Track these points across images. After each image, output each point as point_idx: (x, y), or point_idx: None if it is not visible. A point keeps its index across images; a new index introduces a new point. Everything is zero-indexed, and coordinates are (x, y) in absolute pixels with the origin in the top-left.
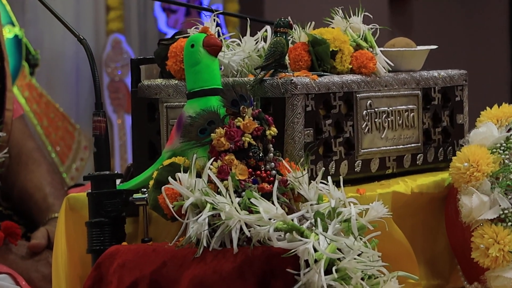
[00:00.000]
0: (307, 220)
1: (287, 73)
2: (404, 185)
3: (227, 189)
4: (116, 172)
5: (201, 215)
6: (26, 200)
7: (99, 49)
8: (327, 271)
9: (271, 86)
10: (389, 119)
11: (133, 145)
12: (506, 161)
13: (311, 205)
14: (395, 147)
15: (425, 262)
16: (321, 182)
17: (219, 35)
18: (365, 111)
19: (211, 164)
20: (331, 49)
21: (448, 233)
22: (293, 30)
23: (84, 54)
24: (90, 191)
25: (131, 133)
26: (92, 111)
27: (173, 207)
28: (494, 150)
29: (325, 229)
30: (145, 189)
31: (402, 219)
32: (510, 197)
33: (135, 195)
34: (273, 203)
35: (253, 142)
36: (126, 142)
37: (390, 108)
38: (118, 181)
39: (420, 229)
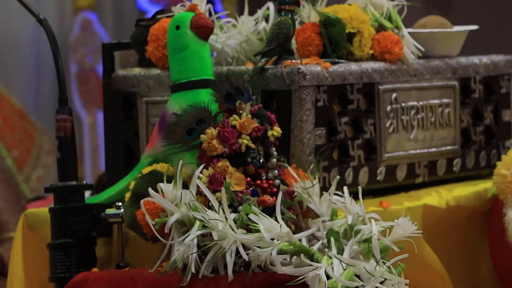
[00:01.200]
0: (319, 240)
1: (293, 61)
2: (438, 197)
3: (220, 203)
4: (85, 182)
5: (188, 235)
6: None
7: (65, 31)
8: None
9: (274, 77)
10: (419, 116)
11: (106, 149)
12: None
13: (323, 221)
14: (426, 150)
15: None
16: (335, 194)
17: (210, 14)
18: (389, 107)
19: (201, 172)
20: (347, 31)
21: (492, 255)
22: (301, 7)
23: (46, 37)
24: (52, 205)
25: (104, 134)
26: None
27: (154, 225)
28: None
29: (340, 251)
30: (120, 203)
31: (435, 239)
32: None
33: (108, 211)
34: (276, 219)
35: (252, 145)
36: (99, 146)
37: (420, 103)
38: (87, 194)
39: (457, 250)
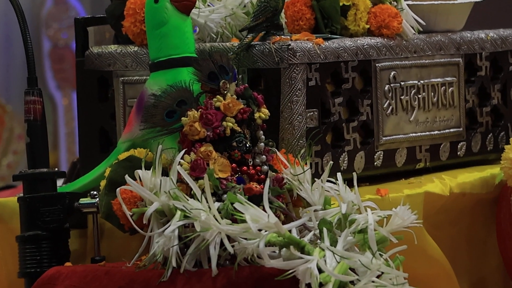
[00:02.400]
0: (310, 231)
1: (282, 36)
2: (441, 184)
3: (203, 191)
4: (56, 169)
5: (168, 226)
6: None
7: (36, 4)
8: None
9: (262, 54)
10: (419, 96)
11: (80, 134)
12: None
13: (314, 211)
14: (428, 133)
15: (470, 285)
16: (328, 181)
17: None
18: (387, 86)
19: (182, 157)
20: (341, 4)
21: (501, 247)
22: None
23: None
24: (22, 195)
25: (77, 118)
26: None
27: (132, 216)
28: None
29: (334, 242)
30: (95, 192)
31: (437, 229)
32: None
33: (82, 200)
34: (264, 209)
35: (238, 129)
36: (75, 130)
37: (421, 82)
38: (60, 182)
39: (462, 242)
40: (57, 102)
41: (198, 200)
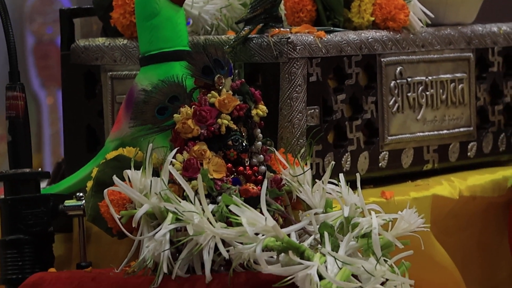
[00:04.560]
0: (310, 235)
1: (282, 29)
2: (450, 187)
3: (196, 193)
4: (40, 170)
5: (159, 230)
6: None
7: None
8: None
9: (260, 47)
10: (427, 93)
11: (65, 133)
12: None
13: (315, 214)
14: (436, 132)
15: None
16: (329, 182)
17: None
18: (393, 82)
19: (174, 157)
20: None
21: None
22: None
23: None
24: (2, 196)
25: (62, 115)
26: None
27: (120, 219)
28: None
29: (336, 247)
30: (81, 194)
31: (446, 234)
32: None
33: (68, 202)
34: (261, 211)
35: (234, 126)
36: (60, 131)
37: (429, 78)
38: (44, 183)
39: (472, 248)
40: (41, 101)
41: (191, 202)
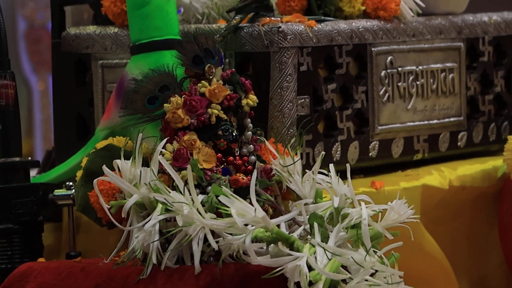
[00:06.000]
0: (300, 226)
1: (272, 18)
2: (440, 177)
3: (186, 183)
4: (30, 158)
5: (149, 220)
6: None
7: None
8: None
9: (250, 37)
10: (418, 82)
11: (56, 121)
12: None
13: (305, 204)
14: (426, 122)
15: (470, 284)
16: (319, 173)
17: None
18: (384, 72)
19: (164, 147)
20: None
21: (503, 244)
22: None
23: None
24: None
25: (53, 103)
26: None
27: (109, 209)
28: None
29: (325, 238)
30: (71, 183)
31: (436, 224)
32: None
33: (57, 192)
34: (251, 202)
35: (224, 116)
36: (52, 116)
37: (420, 67)
38: (33, 172)
39: (462, 238)
40: (33, 86)
41: (181, 192)
